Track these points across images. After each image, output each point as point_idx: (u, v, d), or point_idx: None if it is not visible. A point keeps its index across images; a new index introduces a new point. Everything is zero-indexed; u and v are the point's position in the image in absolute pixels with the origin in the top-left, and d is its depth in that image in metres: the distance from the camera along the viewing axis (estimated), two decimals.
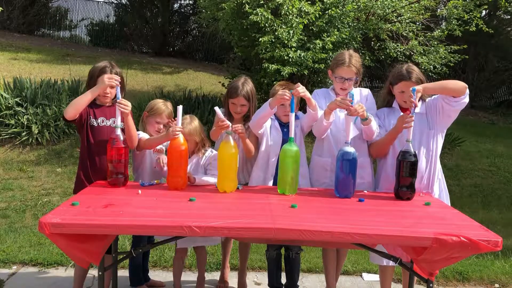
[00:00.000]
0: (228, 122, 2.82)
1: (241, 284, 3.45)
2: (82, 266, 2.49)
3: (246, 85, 3.11)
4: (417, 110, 2.92)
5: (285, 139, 3.00)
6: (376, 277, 3.71)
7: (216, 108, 2.88)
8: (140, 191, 2.65)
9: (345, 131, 2.79)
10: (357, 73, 3.05)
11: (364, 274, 3.80)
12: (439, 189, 3.06)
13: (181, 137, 2.77)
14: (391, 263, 2.96)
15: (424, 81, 2.94)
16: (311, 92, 3.18)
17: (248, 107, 3.12)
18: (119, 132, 2.76)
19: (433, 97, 3.00)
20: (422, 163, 2.93)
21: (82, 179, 2.93)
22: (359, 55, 3.15)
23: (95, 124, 2.92)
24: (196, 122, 3.08)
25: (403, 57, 7.71)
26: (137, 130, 3.08)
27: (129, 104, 2.84)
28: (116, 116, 2.82)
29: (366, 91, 3.19)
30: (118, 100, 2.81)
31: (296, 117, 3.08)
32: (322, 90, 3.29)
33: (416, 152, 2.78)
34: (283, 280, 3.34)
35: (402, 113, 2.97)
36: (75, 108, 2.81)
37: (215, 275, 3.66)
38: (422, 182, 2.95)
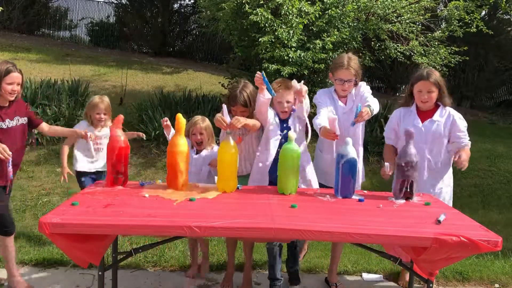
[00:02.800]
0: (228, 120, 2.84)
1: (245, 284, 3.44)
2: (81, 265, 2.50)
3: (244, 91, 3.15)
4: (436, 117, 3.09)
5: (281, 133, 3.14)
6: (376, 277, 3.71)
7: (224, 107, 2.93)
8: (147, 195, 2.65)
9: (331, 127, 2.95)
10: (355, 75, 3.19)
11: (364, 274, 3.79)
12: (449, 196, 3.21)
13: (181, 138, 2.79)
14: None
15: (443, 86, 3.09)
16: (311, 92, 3.27)
17: (248, 112, 3.17)
18: (119, 133, 2.79)
19: (458, 121, 3.11)
20: (429, 167, 3.08)
21: None
22: (357, 58, 3.29)
23: (4, 126, 3.03)
24: (207, 120, 3.48)
25: (403, 58, 7.71)
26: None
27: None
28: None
29: (360, 83, 3.31)
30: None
31: (293, 110, 3.18)
32: (325, 90, 3.41)
33: (429, 156, 2.99)
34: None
35: (417, 118, 3.10)
36: None
37: (219, 275, 3.66)
38: (428, 187, 3.05)
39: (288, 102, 3.16)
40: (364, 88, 3.26)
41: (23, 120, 3.19)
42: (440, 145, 3.12)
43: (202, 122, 3.41)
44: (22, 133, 3.18)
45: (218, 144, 3.49)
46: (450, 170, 3.22)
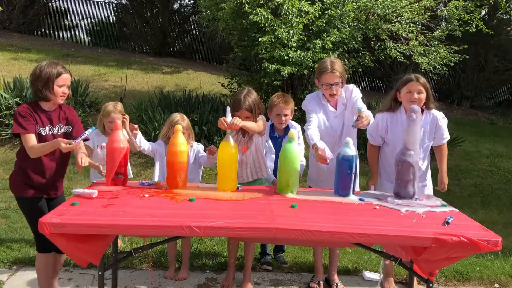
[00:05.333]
0: (229, 120, 2.84)
1: (245, 284, 3.44)
2: (81, 265, 2.50)
3: (248, 97, 3.14)
4: (423, 124, 3.10)
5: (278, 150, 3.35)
6: (376, 276, 3.71)
7: (228, 108, 2.95)
8: (147, 195, 2.64)
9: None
10: (341, 77, 3.20)
11: (365, 272, 3.79)
12: (430, 191, 3.33)
13: (181, 137, 2.80)
14: None
15: (430, 91, 3.18)
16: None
17: (252, 118, 3.14)
18: (119, 134, 2.80)
19: (441, 121, 3.24)
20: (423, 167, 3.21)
21: (25, 185, 3.02)
22: (340, 60, 3.35)
23: (43, 133, 2.84)
24: (186, 118, 3.48)
25: (403, 58, 7.71)
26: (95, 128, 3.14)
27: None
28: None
29: (351, 86, 3.34)
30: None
31: (291, 125, 3.55)
32: (313, 95, 3.39)
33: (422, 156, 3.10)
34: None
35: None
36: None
37: (220, 275, 3.66)
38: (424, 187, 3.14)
39: (285, 115, 3.48)
40: (356, 93, 3.28)
41: (66, 128, 2.92)
42: (426, 150, 3.27)
43: (182, 121, 3.38)
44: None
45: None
46: (429, 169, 3.40)
